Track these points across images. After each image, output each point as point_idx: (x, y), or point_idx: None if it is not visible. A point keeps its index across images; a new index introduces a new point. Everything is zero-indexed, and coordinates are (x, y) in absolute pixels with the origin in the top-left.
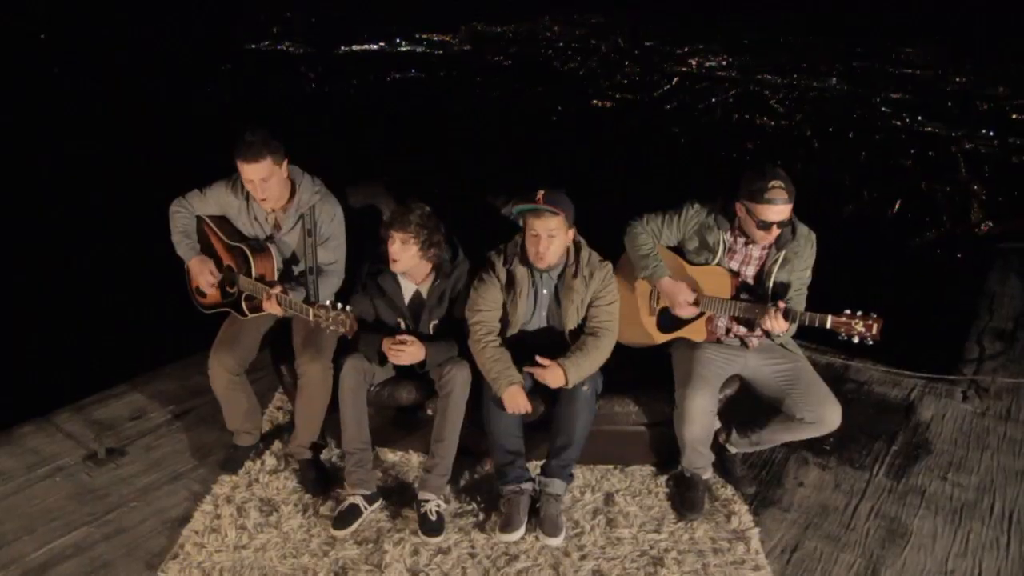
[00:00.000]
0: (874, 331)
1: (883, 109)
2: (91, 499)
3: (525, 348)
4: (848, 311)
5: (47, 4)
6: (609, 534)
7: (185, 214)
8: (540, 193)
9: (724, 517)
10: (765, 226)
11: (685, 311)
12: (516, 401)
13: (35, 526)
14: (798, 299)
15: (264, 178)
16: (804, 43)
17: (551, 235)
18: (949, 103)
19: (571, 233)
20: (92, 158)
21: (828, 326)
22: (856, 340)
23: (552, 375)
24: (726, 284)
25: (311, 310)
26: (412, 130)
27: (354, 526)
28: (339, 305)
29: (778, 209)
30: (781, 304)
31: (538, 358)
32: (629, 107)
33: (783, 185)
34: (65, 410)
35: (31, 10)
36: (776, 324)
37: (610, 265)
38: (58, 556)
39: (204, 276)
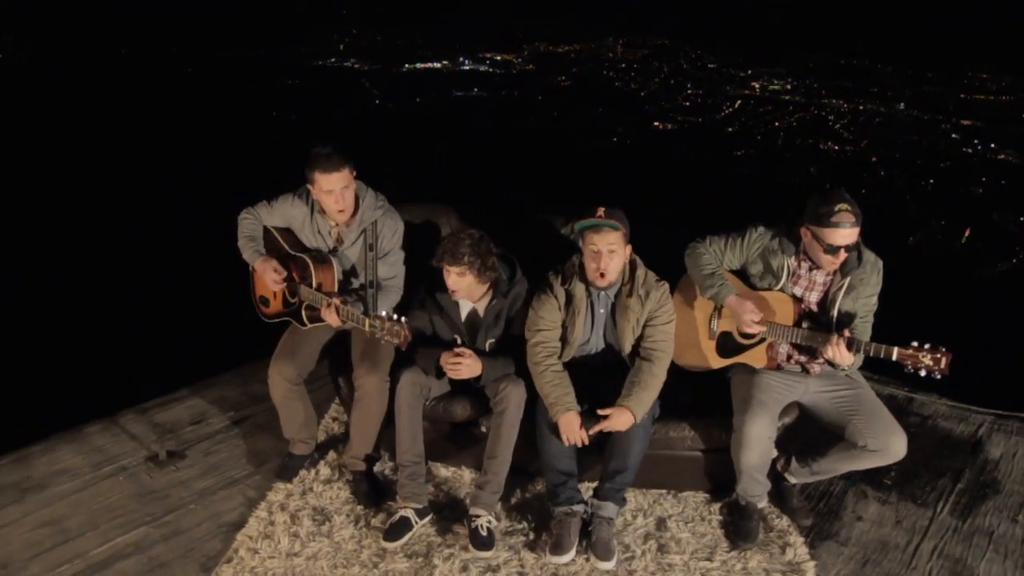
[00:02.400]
0: (942, 365)
1: (953, 136)
2: (151, 499)
3: (583, 368)
4: (915, 343)
5: (121, 23)
6: (660, 560)
7: (252, 221)
8: (600, 209)
9: (779, 548)
10: (833, 250)
11: (753, 328)
12: (571, 428)
13: (98, 522)
14: (863, 327)
15: (346, 186)
16: (871, 67)
17: (611, 250)
18: None
19: (628, 250)
20: (160, 168)
21: (894, 358)
22: (923, 374)
23: (620, 420)
24: (789, 311)
25: (367, 320)
26: (473, 148)
27: (404, 539)
28: (394, 316)
29: (845, 233)
30: (846, 333)
31: (600, 411)
32: (691, 129)
33: (850, 208)
34: (130, 411)
35: (107, 29)
36: (839, 353)
37: (667, 285)
38: (119, 554)
39: (269, 274)
